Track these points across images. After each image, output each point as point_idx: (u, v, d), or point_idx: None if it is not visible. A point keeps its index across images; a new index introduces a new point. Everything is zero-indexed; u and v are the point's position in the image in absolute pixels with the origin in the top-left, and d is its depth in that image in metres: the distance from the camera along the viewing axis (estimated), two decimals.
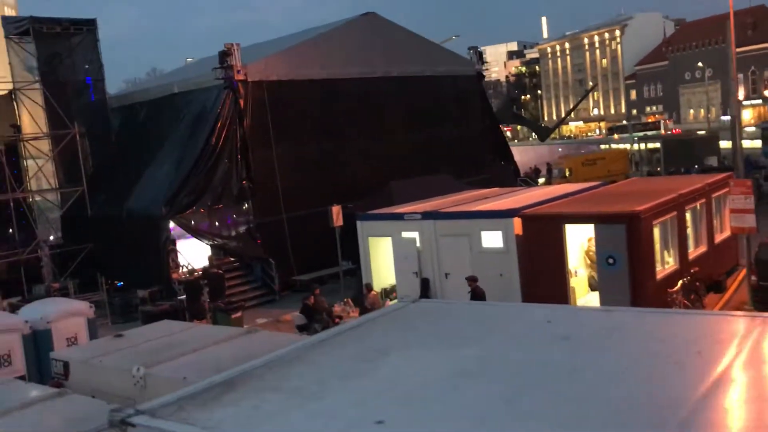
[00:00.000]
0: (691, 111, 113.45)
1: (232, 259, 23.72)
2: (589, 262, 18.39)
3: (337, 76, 26.13)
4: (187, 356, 9.41)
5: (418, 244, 19.02)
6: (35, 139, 26.97)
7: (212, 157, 22.92)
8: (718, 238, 18.77)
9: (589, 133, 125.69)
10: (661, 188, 18.66)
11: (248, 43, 26.83)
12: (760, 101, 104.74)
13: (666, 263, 16.24)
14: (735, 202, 16.19)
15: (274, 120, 24.18)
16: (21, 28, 26.94)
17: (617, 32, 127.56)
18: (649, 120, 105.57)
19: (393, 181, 25.52)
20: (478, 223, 17.87)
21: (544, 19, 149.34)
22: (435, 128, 29.29)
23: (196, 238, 23.16)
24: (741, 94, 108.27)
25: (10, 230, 26.53)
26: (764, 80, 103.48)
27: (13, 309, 22.60)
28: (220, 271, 21.04)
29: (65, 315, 13.92)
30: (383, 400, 3.58)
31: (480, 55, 32.61)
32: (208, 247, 24.09)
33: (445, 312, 5.35)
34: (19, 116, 27.45)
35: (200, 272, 20.53)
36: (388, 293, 20.14)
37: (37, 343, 13.57)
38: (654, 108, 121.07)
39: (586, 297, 17.61)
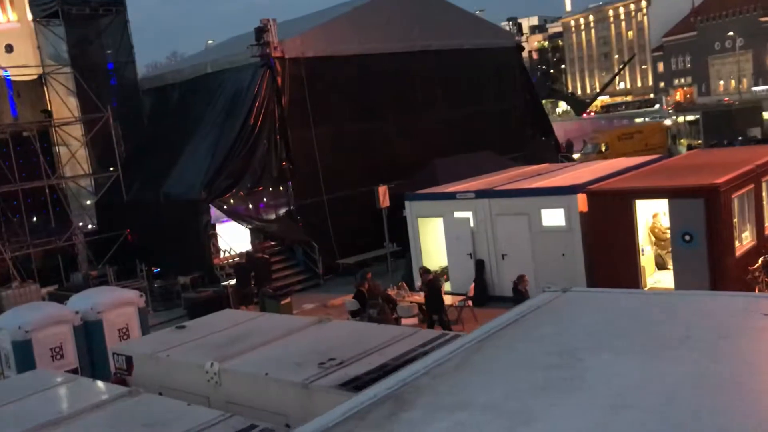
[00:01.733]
0: (721, 82, 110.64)
1: (273, 243, 23.00)
2: (653, 239, 17.43)
3: (375, 51, 25.18)
4: (260, 349, 8.68)
5: (471, 224, 18.17)
6: (67, 124, 26.39)
7: (251, 138, 22.16)
8: None
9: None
10: (731, 160, 17.57)
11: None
12: None
13: (744, 239, 15.24)
14: None
15: (312, 98, 23.35)
16: (49, 11, 26.27)
17: (643, 3, 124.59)
18: (646, 98, 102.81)
19: (436, 158, 24.62)
20: (537, 201, 16.97)
21: None
22: (475, 103, 28.27)
23: (236, 221, 22.47)
24: None
25: (45, 218, 26.09)
26: None
27: (53, 298, 22.22)
28: (266, 256, 20.37)
29: (116, 305, 13.30)
30: (622, 420, 2.77)
31: (519, 27, 31.45)
32: (248, 231, 23.42)
33: (611, 303, 4.52)
34: (49, 101, 26.89)
35: (244, 257, 19.84)
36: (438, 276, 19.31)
37: (88, 334, 13.00)
38: (682, 80, 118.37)
39: (654, 276, 16.67)
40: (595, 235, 15.84)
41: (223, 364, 8.22)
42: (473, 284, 17.17)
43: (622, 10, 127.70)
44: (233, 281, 20.33)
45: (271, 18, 22.59)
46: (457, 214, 18.43)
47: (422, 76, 26.57)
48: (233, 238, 22.84)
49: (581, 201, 16.24)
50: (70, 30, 26.09)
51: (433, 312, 15.62)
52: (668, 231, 17.77)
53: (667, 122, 50.16)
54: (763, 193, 16.01)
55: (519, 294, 13.59)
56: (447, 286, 18.04)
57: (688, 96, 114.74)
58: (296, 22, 26.41)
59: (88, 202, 27.34)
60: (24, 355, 12.13)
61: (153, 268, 24.02)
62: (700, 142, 45.03)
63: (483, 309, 17.08)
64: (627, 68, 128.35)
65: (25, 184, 23.98)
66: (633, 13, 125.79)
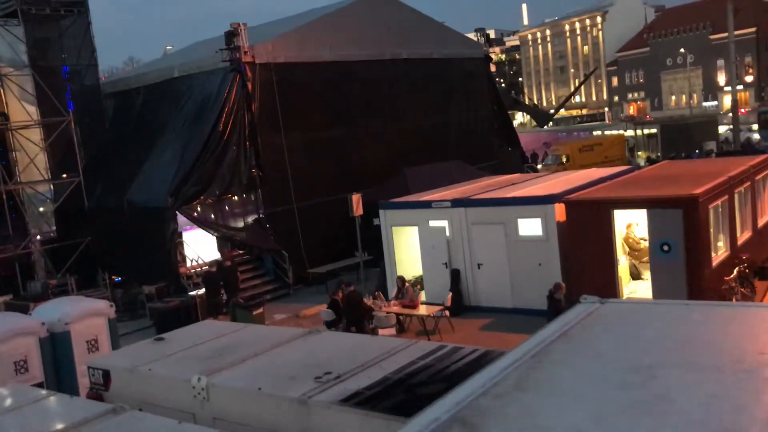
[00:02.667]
0: (673, 97, 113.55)
1: (241, 251, 22.46)
2: (627, 249, 17.53)
3: (346, 58, 24.93)
4: (249, 362, 8.30)
5: (447, 233, 18.01)
6: (25, 128, 25.40)
7: (220, 144, 21.64)
8: (761, 222, 18.01)
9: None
10: (703, 172, 17.82)
11: (220, 31, 25.12)
12: (741, 87, 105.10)
13: (719, 250, 15.40)
14: None
15: (282, 104, 22.96)
16: (7, 10, 25.28)
17: (598, 19, 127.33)
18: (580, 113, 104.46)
19: (406, 167, 24.46)
20: (514, 210, 16.92)
21: (524, 6, 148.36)
22: (445, 112, 28.26)
23: (203, 229, 21.88)
24: (722, 79, 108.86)
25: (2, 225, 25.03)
26: (745, 66, 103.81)
27: (9, 307, 21.25)
28: (232, 264, 19.84)
29: (85, 315, 12.68)
30: None
31: (487, 37, 31.58)
32: (214, 239, 22.85)
33: (659, 315, 4.31)
34: (6, 104, 25.87)
35: (214, 265, 19.29)
36: (412, 285, 19.10)
37: (55, 346, 12.36)
38: (636, 95, 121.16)
39: (629, 286, 16.73)
40: (572, 245, 15.81)
41: (211, 379, 7.82)
42: (450, 294, 16.98)
43: (577, 25, 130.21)
44: (201, 291, 19.75)
45: (241, 22, 22.13)
46: (433, 223, 18.25)
47: (392, 84, 26.42)
48: (200, 247, 22.24)
49: (558, 210, 16.23)
50: (29, 30, 25.13)
51: (352, 324, 15.55)
52: (642, 241, 17.98)
53: (629, 133, 51.10)
54: (736, 205, 16.23)
55: (555, 303, 13.30)
56: (423, 296, 17.82)
57: (641, 110, 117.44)
58: (266, 27, 26.03)
59: (42, 209, 26.33)
60: None
61: (114, 277, 23.26)
62: (658, 154, 45.88)
63: (459, 319, 16.94)
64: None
65: None
66: (588, 29, 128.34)
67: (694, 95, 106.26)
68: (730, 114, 70.66)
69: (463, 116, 29.20)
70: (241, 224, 22.83)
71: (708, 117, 57.73)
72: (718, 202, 15.05)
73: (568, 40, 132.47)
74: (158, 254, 21.31)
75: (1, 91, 25.87)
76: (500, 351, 7.76)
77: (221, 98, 21.87)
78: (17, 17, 25.10)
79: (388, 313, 16.17)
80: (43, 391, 8.89)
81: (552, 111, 75.26)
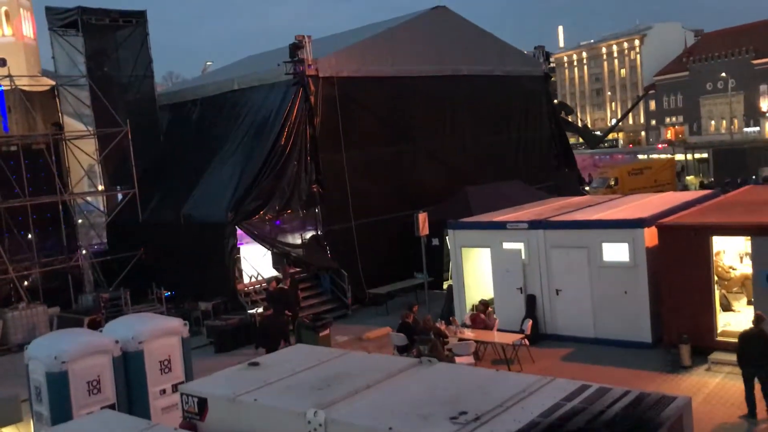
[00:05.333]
0: (713, 122, 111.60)
1: (298, 269, 21.77)
2: (717, 279, 16.49)
3: (407, 74, 24.32)
4: (364, 394, 7.52)
5: (523, 256, 17.13)
6: (79, 138, 25.13)
7: (281, 158, 21.08)
8: None
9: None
10: None
11: (259, 50, 24.61)
12: None
13: None
14: None
15: (343, 119, 22.37)
16: (67, 20, 25.12)
17: (636, 42, 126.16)
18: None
19: (468, 186, 23.68)
20: (599, 234, 16.00)
21: (560, 28, 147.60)
22: (504, 131, 27.50)
23: (262, 245, 21.24)
24: (765, 105, 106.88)
25: (51, 235, 24.68)
26: None
27: (62, 321, 20.78)
28: (293, 282, 19.16)
29: (158, 334, 12.02)
30: None
31: (547, 55, 30.81)
32: (268, 255, 22.20)
33: None
34: (61, 114, 25.66)
35: (281, 283, 18.61)
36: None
37: (128, 366, 11.71)
38: (674, 119, 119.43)
39: (720, 318, 15.65)
40: (663, 273, 14.86)
41: (329, 413, 7.04)
42: (530, 321, 16.06)
43: (615, 48, 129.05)
44: (260, 309, 19.09)
45: (306, 35, 21.63)
46: (507, 245, 17.40)
47: (452, 101, 25.75)
48: (257, 263, 21.61)
49: (648, 235, 15.31)
50: (88, 41, 24.91)
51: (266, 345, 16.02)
52: (731, 270, 16.95)
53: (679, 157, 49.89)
54: None
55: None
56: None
57: (679, 135, 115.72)
58: (325, 41, 25.56)
59: (98, 221, 25.97)
60: (59, 389, 10.84)
61: (164, 292, 22.70)
62: (711, 179, 44.64)
63: (536, 348, 16.03)
64: (618, 105, 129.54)
65: (34, 200, 22.64)
66: (626, 51, 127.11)
67: (735, 120, 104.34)
68: None
69: (522, 135, 28.40)
70: (298, 241, 22.16)
71: (763, 142, 56.17)
72: None
73: (605, 63, 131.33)
74: (215, 269, 20.73)
75: (57, 101, 25.65)
76: (658, 394, 6.93)
77: (283, 112, 21.35)
78: (77, 27, 24.91)
79: (463, 339, 15.30)
80: (137, 420, 8.20)
81: (601, 134, 74.16)
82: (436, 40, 25.71)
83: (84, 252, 24.83)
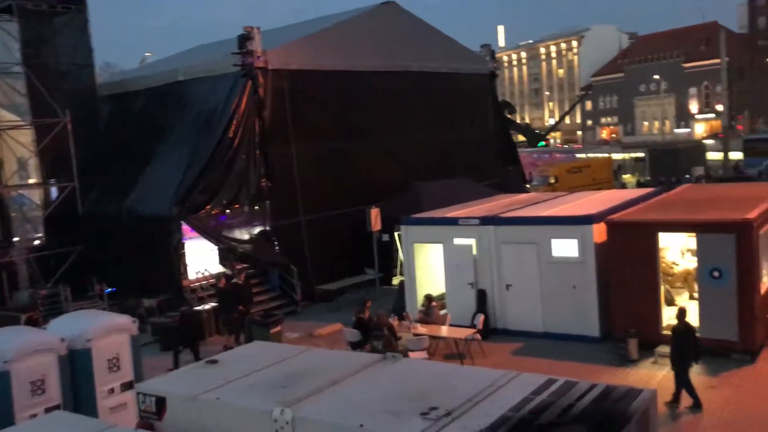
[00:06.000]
0: (646, 123, 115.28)
1: (245, 265, 21.40)
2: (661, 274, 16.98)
3: (358, 68, 24.17)
4: (331, 392, 7.40)
5: (474, 252, 17.26)
6: (14, 128, 24.07)
7: (229, 152, 20.64)
8: None
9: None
10: (735, 196, 17.44)
11: (204, 41, 23.99)
12: (713, 115, 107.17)
13: (763, 277, 14.92)
14: None
15: (293, 113, 22.09)
16: (1, 5, 23.99)
17: (574, 43, 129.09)
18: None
19: (417, 182, 23.75)
20: (548, 230, 16.27)
21: (501, 28, 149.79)
22: (452, 128, 27.61)
23: (209, 240, 20.79)
24: (695, 107, 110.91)
25: None
26: (716, 95, 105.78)
27: None
28: (246, 278, 18.81)
29: (107, 331, 11.60)
30: None
31: (492, 53, 31.12)
32: (215, 250, 21.75)
33: None
34: None
35: (225, 280, 18.22)
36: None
37: (74, 365, 11.25)
38: (609, 119, 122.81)
39: (664, 312, 16.12)
40: (611, 268, 15.21)
41: (296, 411, 6.89)
42: (482, 316, 16.21)
43: (553, 48, 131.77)
44: (208, 306, 18.70)
45: (255, 26, 21.24)
46: (459, 241, 17.51)
47: (402, 97, 25.72)
48: (199, 258, 21.15)
49: (596, 231, 15.64)
50: (24, 26, 23.82)
51: (182, 344, 16.05)
52: (675, 266, 17.48)
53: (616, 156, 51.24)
54: None
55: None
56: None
57: (614, 135, 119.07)
58: (274, 33, 25.12)
59: (35, 214, 24.92)
60: (1, 390, 10.31)
61: (104, 288, 21.96)
62: (648, 178, 45.98)
63: (487, 342, 16.17)
64: (556, 105, 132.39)
65: None
66: (564, 53, 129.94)
67: (667, 122, 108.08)
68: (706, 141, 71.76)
69: (469, 132, 28.61)
70: (246, 236, 21.77)
71: (696, 143, 58.25)
72: (766, 227, 14.60)
73: (544, 63, 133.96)
74: (160, 265, 20.18)
75: None
76: (624, 387, 7.03)
77: (231, 104, 20.92)
78: (11, 12, 23.82)
79: (417, 334, 15.31)
80: (92, 421, 7.87)
81: (543, 132, 75.65)
82: (386, 36, 25.65)
83: (19, 247, 23.82)
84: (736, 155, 48.45)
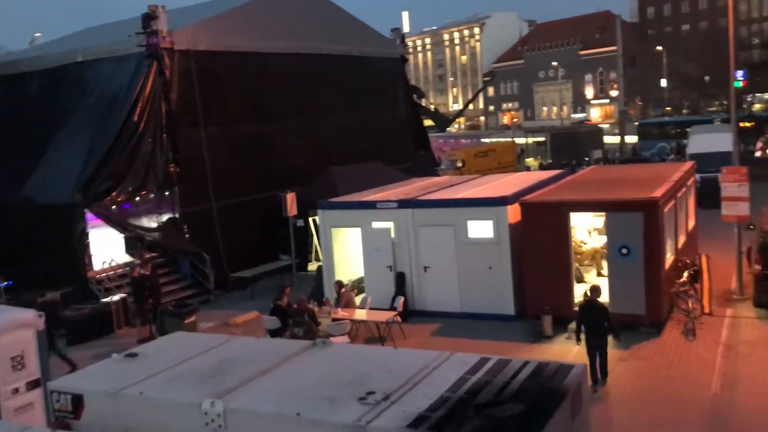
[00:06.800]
0: (545, 108, 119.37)
1: (154, 254, 20.60)
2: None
3: (268, 50, 23.60)
4: (261, 381, 7.16)
5: (392, 235, 17.28)
6: None
7: (134, 136, 19.74)
8: (690, 226, 18.65)
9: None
10: (639, 176, 18.24)
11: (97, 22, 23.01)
12: (607, 101, 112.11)
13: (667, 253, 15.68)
14: (728, 190, 15.95)
15: (202, 96, 21.36)
16: None
17: (476, 30, 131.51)
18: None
19: (331, 166, 23.54)
20: (464, 212, 16.48)
21: (405, 14, 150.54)
22: (364, 112, 27.51)
23: (115, 229, 19.84)
24: (590, 93, 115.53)
25: None
26: (611, 81, 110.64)
27: None
28: (147, 272, 18.05)
29: (11, 327, 10.84)
30: None
31: (402, 38, 31.16)
32: (121, 239, 20.81)
33: None
34: None
35: (139, 270, 17.47)
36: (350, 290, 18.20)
37: None
38: (510, 105, 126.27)
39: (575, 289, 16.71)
40: (525, 248, 15.59)
41: (228, 402, 6.63)
42: (402, 299, 16.26)
43: (456, 35, 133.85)
44: (117, 297, 17.90)
45: (159, 5, 20.32)
46: (377, 225, 17.48)
47: (314, 80, 25.36)
48: (109, 248, 20.18)
49: (511, 212, 15.97)
50: None
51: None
52: (583, 244, 18.13)
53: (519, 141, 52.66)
54: (678, 209, 16.63)
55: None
56: (358, 300, 17.02)
57: (515, 120, 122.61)
58: (181, 12, 24.12)
59: None
60: None
61: (1, 281, 20.61)
62: (550, 161, 47.50)
63: (407, 324, 16.26)
64: (459, 90, 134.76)
65: None
66: (467, 39, 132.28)
67: (564, 107, 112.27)
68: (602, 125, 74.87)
69: (381, 117, 28.60)
70: (154, 224, 20.93)
71: (594, 127, 60.68)
72: (670, 206, 15.33)
73: (447, 50, 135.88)
74: (62, 256, 19.09)
75: None
76: (555, 363, 7.17)
77: (136, 86, 19.98)
78: None
79: (336, 319, 15.20)
80: (10, 425, 7.30)
81: (451, 117, 76.83)
82: (297, 18, 25.19)
83: None
84: (631, 139, 50.89)
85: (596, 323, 12.12)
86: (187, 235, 21.09)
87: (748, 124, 40.93)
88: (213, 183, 21.53)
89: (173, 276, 20.75)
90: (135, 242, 20.66)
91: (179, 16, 22.74)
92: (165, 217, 21.12)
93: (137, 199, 20.53)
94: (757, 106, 56.88)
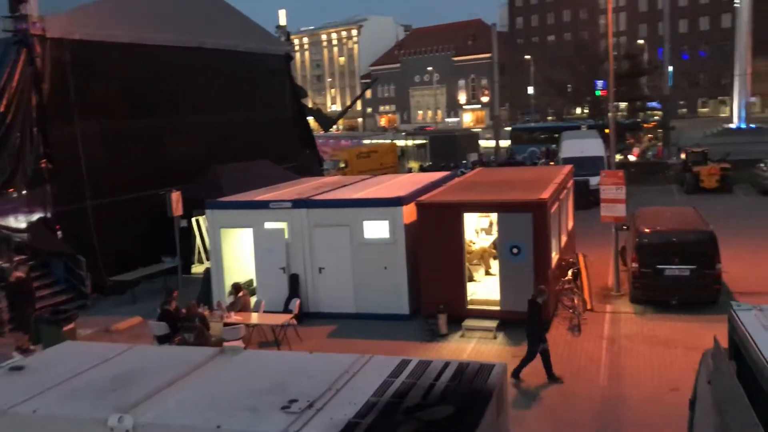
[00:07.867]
0: (420, 111, 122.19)
1: (23, 256, 19.05)
2: None
3: (149, 42, 22.44)
4: (170, 392, 6.71)
5: (286, 236, 16.92)
6: None
7: (1, 129, 18.14)
8: (569, 226, 19.57)
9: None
10: (524, 178, 18.94)
11: None
12: (479, 106, 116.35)
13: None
14: (607, 192, 16.86)
15: (77, 88, 20.00)
16: None
17: (354, 32, 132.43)
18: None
19: (216, 165, 22.77)
20: (360, 212, 16.43)
21: (282, 12, 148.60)
22: (249, 109, 26.81)
23: None
24: (463, 98, 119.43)
25: None
26: (482, 87, 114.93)
27: None
28: (23, 274, 16.69)
29: None
30: None
31: (288, 35, 30.68)
32: None
33: None
34: None
35: (15, 273, 16.04)
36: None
37: None
38: (388, 107, 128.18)
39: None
40: (420, 248, 15.75)
41: (137, 417, 6.15)
42: (298, 301, 15.93)
43: (334, 36, 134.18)
44: None
45: None
46: (270, 225, 17.05)
47: (197, 75, 24.39)
48: None
49: (406, 213, 16.08)
50: None
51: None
52: (472, 244, 18.57)
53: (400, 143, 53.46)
54: (561, 210, 17.39)
55: (538, 308, 12.56)
56: (253, 303, 16.53)
57: (392, 123, 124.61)
58: None
59: None
60: None
61: None
62: (429, 163, 48.54)
63: (302, 327, 15.97)
64: (338, 92, 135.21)
65: None
66: (344, 41, 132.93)
67: (439, 111, 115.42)
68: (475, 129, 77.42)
69: (267, 114, 28.01)
70: (23, 224, 19.35)
71: (470, 132, 62.63)
72: (555, 207, 15.99)
73: (325, 50, 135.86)
74: None
75: None
76: (476, 363, 7.20)
77: (2, 75, 18.37)
78: None
79: (228, 324, 14.66)
80: None
81: (334, 117, 76.81)
82: (181, 10, 24.14)
83: None
84: (504, 143, 52.99)
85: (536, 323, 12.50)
86: (60, 236, 19.64)
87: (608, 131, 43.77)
88: (89, 180, 20.23)
89: (46, 280, 19.24)
90: (1, 243, 19.02)
91: (53, 1, 21.14)
92: (35, 217, 19.59)
93: (3, 197, 18.89)
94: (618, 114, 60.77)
